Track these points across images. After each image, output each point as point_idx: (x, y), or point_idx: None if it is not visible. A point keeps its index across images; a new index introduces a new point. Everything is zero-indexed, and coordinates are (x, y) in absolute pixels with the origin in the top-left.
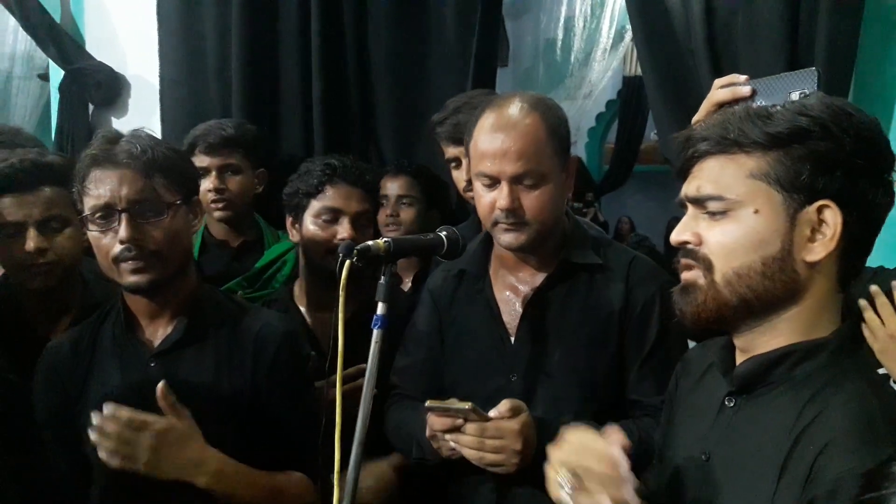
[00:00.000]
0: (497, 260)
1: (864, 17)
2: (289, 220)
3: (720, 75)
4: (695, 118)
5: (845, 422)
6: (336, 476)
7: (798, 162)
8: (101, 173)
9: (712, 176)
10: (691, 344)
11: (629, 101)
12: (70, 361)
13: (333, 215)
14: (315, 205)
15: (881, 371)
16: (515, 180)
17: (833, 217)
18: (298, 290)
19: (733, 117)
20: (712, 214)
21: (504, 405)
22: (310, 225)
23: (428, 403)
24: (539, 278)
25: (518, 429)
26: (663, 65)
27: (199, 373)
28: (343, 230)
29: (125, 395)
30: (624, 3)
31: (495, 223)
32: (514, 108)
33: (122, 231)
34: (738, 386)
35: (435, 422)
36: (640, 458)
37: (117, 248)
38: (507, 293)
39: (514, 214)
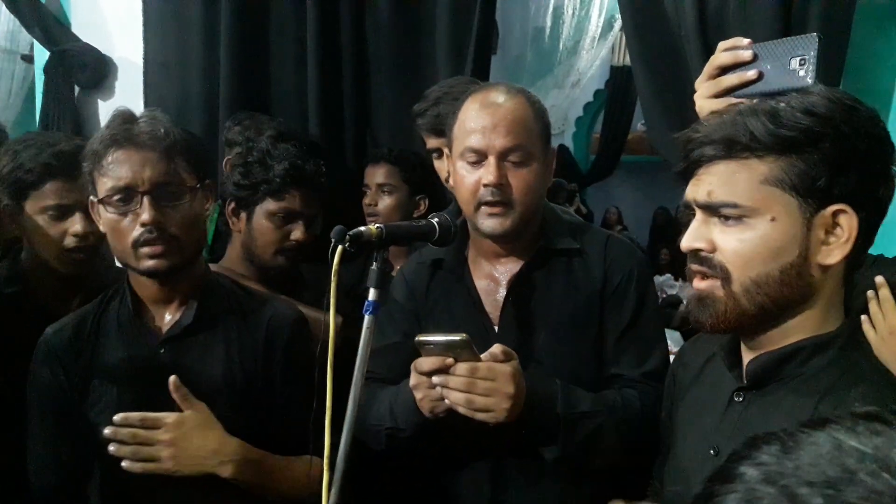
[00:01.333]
0: (474, 248)
1: (856, 7)
2: (230, 207)
3: None
4: (698, 81)
5: None
6: (326, 460)
7: (814, 167)
8: (122, 154)
9: (723, 181)
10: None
11: (617, 90)
12: (72, 347)
13: (290, 217)
14: (272, 203)
15: None
16: (503, 155)
17: (848, 221)
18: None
19: (740, 118)
20: (725, 219)
21: (497, 348)
22: (263, 221)
23: (418, 338)
24: (518, 265)
25: (511, 372)
26: (653, 53)
27: (210, 359)
28: (298, 232)
29: (134, 381)
30: None
31: (479, 206)
32: (500, 91)
33: (146, 214)
34: (751, 382)
35: (423, 362)
36: (624, 423)
37: (138, 230)
38: (487, 282)
39: (501, 191)
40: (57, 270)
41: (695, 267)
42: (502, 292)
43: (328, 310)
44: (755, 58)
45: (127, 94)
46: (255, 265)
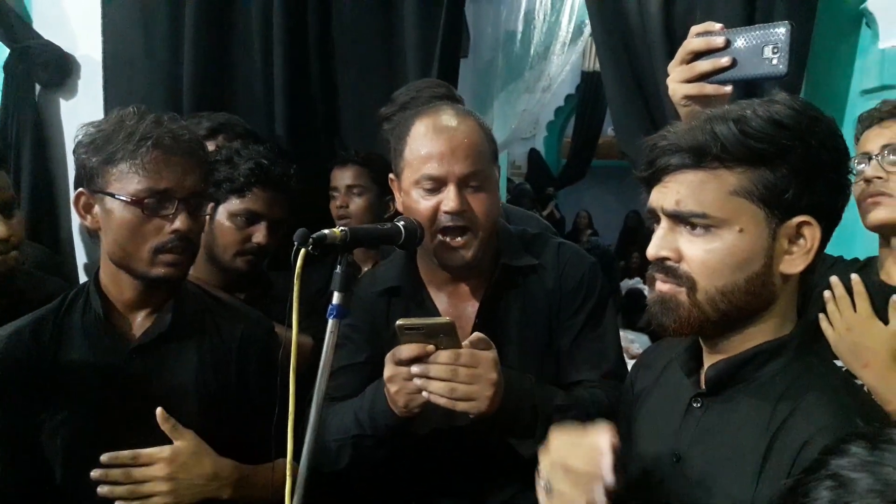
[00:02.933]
0: (428, 275)
1: (817, 13)
2: None
3: None
4: (671, 65)
5: (824, 418)
6: (288, 465)
7: (782, 179)
8: (169, 157)
9: (692, 191)
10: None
11: (587, 95)
12: (31, 351)
13: (252, 218)
14: (235, 203)
15: (836, 362)
16: (462, 181)
17: (812, 232)
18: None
19: (708, 126)
20: (693, 228)
21: (476, 336)
22: (224, 221)
23: (399, 322)
24: (478, 285)
25: (493, 358)
26: (621, 60)
27: (181, 367)
28: (259, 235)
29: (103, 389)
30: None
31: (437, 232)
32: (449, 114)
33: (181, 222)
34: (710, 388)
35: (402, 349)
36: (597, 417)
37: (166, 237)
38: (449, 305)
39: (463, 217)
40: None
41: (659, 276)
42: (469, 313)
43: (290, 313)
44: (727, 43)
45: (90, 93)
46: (217, 268)
